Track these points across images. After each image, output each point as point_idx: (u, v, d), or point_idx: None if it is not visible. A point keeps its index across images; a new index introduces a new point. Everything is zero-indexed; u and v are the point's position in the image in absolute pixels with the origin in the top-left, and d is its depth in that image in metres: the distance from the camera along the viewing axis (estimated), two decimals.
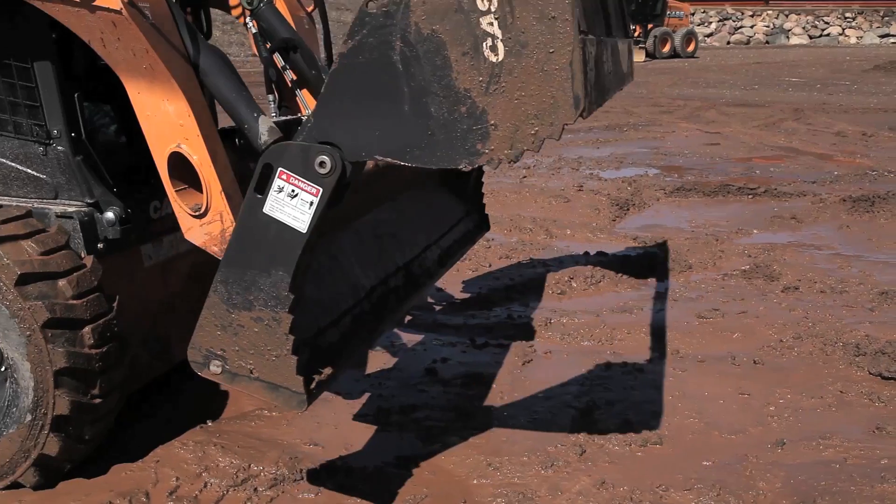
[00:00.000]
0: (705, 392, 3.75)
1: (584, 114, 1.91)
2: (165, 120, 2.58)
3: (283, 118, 3.00)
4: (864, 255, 5.89)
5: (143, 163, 3.31)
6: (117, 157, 3.18)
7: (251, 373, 2.33)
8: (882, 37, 38.05)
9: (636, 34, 30.28)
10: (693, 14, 36.29)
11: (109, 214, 2.98)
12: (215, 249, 2.61)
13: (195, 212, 2.63)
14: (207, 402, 3.64)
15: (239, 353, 2.33)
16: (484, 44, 1.90)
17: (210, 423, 3.46)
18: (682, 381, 3.87)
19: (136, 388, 3.30)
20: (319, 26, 3.29)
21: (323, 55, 3.22)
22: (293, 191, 2.14)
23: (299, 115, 3.15)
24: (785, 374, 3.93)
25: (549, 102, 1.90)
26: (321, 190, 2.13)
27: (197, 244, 2.66)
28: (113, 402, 2.97)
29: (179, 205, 2.65)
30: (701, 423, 3.47)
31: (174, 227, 3.40)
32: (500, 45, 1.90)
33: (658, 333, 4.47)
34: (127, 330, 3.00)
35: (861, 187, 7.96)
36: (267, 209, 2.17)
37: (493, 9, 1.87)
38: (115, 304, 2.91)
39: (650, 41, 29.90)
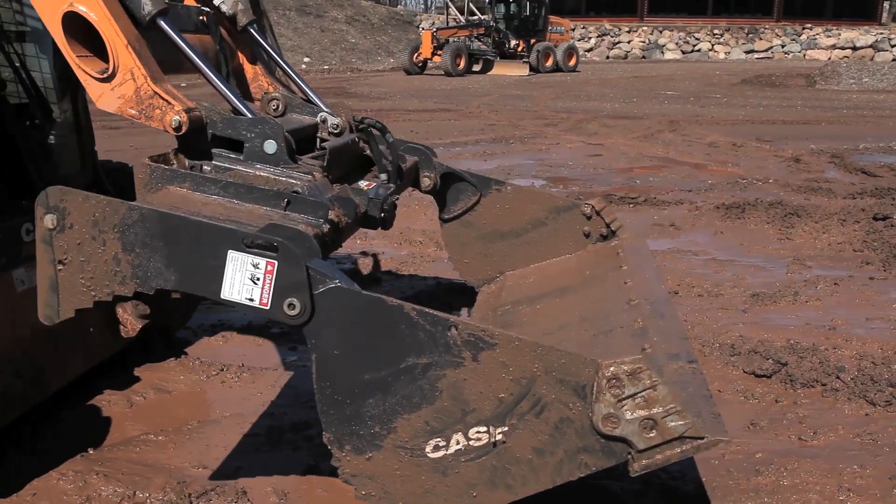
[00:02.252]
0: None
1: None
2: None
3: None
4: (737, 259, 6.20)
5: (12, 184, 3.18)
6: None
7: None
8: (747, 52, 40.21)
9: (520, 49, 31.01)
10: (573, 30, 37.42)
11: None
12: (133, 112, 2.44)
13: (102, 75, 2.43)
14: (88, 429, 3.50)
15: None
16: None
17: (91, 451, 3.32)
18: None
19: (10, 420, 3.13)
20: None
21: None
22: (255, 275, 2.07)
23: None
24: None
25: None
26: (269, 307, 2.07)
27: (112, 111, 2.46)
28: None
29: (84, 72, 2.44)
30: None
31: None
32: None
33: None
34: None
35: (733, 195, 8.37)
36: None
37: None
38: None
39: (533, 56, 30.63)
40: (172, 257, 2.06)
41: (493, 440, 2.02)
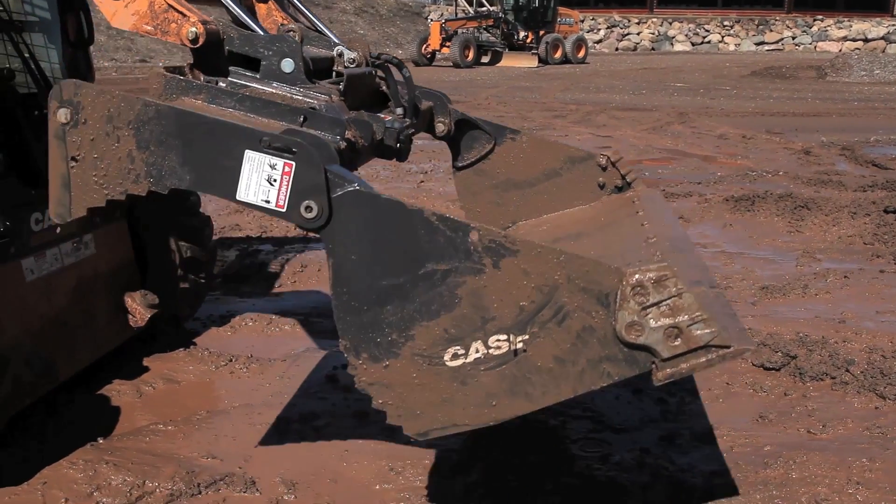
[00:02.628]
0: (600, 389, 3.84)
1: None
2: None
3: None
4: (746, 252, 6.17)
5: (21, 173, 3.19)
6: None
7: None
8: (758, 44, 39.97)
9: (528, 41, 30.90)
10: (583, 21, 37.23)
11: None
12: (148, 28, 2.40)
13: None
14: (97, 419, 3.51)
15: None
16: None
17: (101, 441, 3.34)
18: None
19: (20, 409, 3.15)
20: None
21: None
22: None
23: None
24: None
25: None
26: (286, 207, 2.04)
27: (127, 28, 2.43)
28: None
29: None
30: (596, 420, 3.56)
31: (58, 239, 3.29)
32: None
33: None
34: (7, 347, 2.86)
35: (742, 187, 8.34)
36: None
37: None
38: None
39: (542, 47, 30.52)
40: (188, 156, 2.03)
41: (513, 349, 1.99)
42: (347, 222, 1.99)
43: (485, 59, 30.36)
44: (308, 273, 5.67)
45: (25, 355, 3.11)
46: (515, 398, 2.02)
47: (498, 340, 2.00)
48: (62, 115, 2.05)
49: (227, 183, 2.03)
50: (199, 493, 2.98)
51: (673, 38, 41.00)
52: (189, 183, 2.06)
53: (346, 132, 2.20)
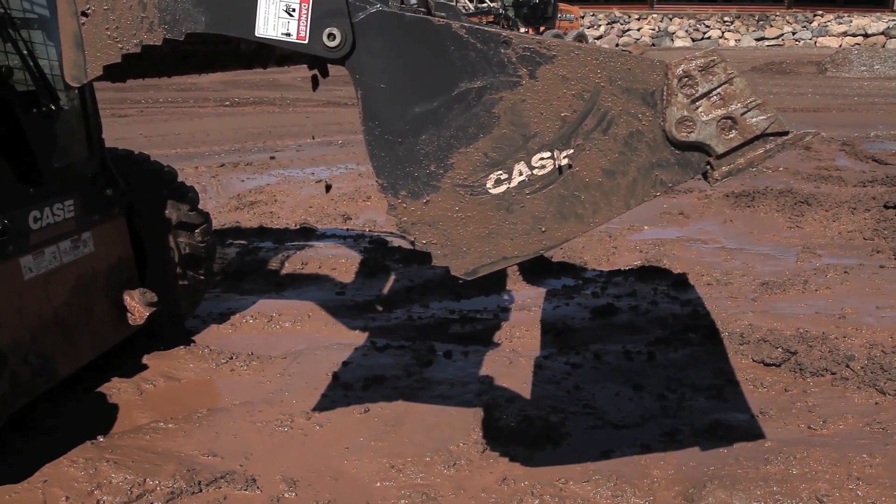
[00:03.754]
0: (601, 385, 3.85)
1: None
2: None
3: None
4: (747, 248, 6.16)
5: (19, 171, 3.18)
6: None
7: None
8: (758, 40, 39.91)
9: None
10: (583, 17, 37.19)
11: None
12: None
13: None
14: (97, 416, 3.51)
15: None
16: None
17: (101, 439, 3.33)
18: (578, 376, 3.96)
19: (18, 407, 3.14)
20: None
21: None
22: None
23: None
24: (675, 365, 4.07)
25: None
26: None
27: None
28: None
29: None
30: (597, 416, 3.56)
31: (56, 237, 3.29)
32: None
33: (555, 330, 4.56)
34: (5, 345, 2.86)
35: (742, 183, 8.32)
36: None
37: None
38: None
39: None
40: None
41: (558, 165, 1.88)
42: (373, 47, 1.88)
43: None
44: (308, 270, 5.67)
45: (24, 353, 3.10)
46: (566, 221, 1.91)
47: (542, 159, 1.88)
48: None
49: (244, 19, 1.95)
50: (200, 490, 2.97)
51: (673, 33, 40.93)
52: (205, 24, 1.97)
53: None
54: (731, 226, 6.86)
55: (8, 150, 3.16)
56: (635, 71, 1.80)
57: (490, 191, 1.92)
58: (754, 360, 4.04)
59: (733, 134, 1.76)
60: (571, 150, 1.86)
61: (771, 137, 1.76)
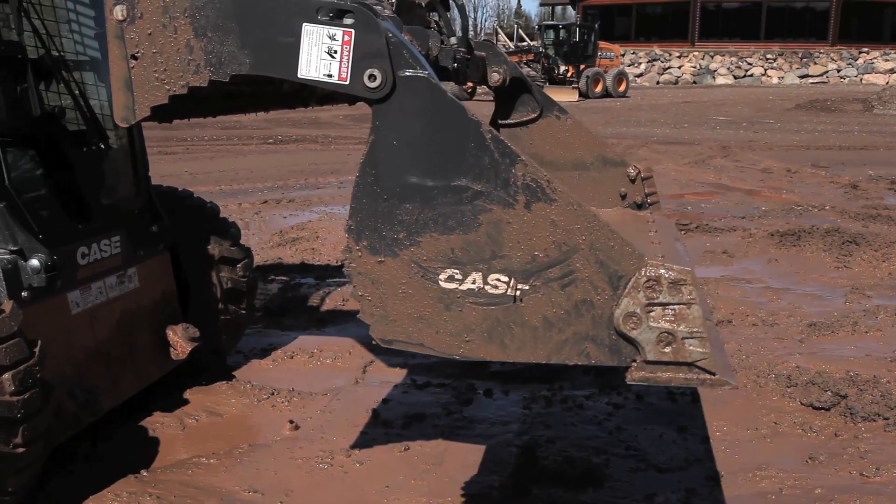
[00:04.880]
0: (644, 427, 3.78)
1: None
2: None
3: None
4: (793, 288, 6.05)
5: (69, 208, 3.25)
6: (44, 204, 3.10)
7: None
8: (801, 77, 39.61)
9: (569, 75, 30.98)
10: (623, 55, 37.30)
11: (34, 262, 2.90)
12: None
13: None
14: (140, 450, 3.53)
15: None
16: None
17: (144, 473, 3.35)
18: (620, 417, 3.89)
19: (63, 439, 3.18)
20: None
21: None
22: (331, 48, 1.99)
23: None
24: (720, 406, 3.99)
25: None
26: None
27: None
28: (37, 451, 2.85)
29: None
30: (640, 458, 3.49)
31: (103, 273, 3.34)
32: None
33: (597, 369, 4.50)
34: (51, 377, 2.90)
35: (788, 222, 8.20)
36: None
37: None
38: (36, 350, 2.81)
39: (583, 81, 30.56)
40: (246, 38, 2.01)
41: (510, 293, 1.94)
42: (404, 104, 1.94)
43: None
44: (349, 307, 5.68)
45: (69, 386, 3.14)
46: (490, 342, 1.97)
47: (498, 280, 1.95)
48: (118, 12, 2.05)
49: (288, 61, 2.00)
50: None
51: (715, 71, 40.81)
52: (249, 66, 2.03)
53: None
54: (777, 265, 6.74)
55: (59, 188, 3.23)
56: (615, 251, 1.87)
57: (440, 282, 1.98)
58: (803, 404, 3.94)
59: (668, 350, 1.82)
60: (527, 287, 1.93)
61: (697, 370, 1.82)
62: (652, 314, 1.83)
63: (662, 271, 1.83)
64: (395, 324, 2.01)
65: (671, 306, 1.82)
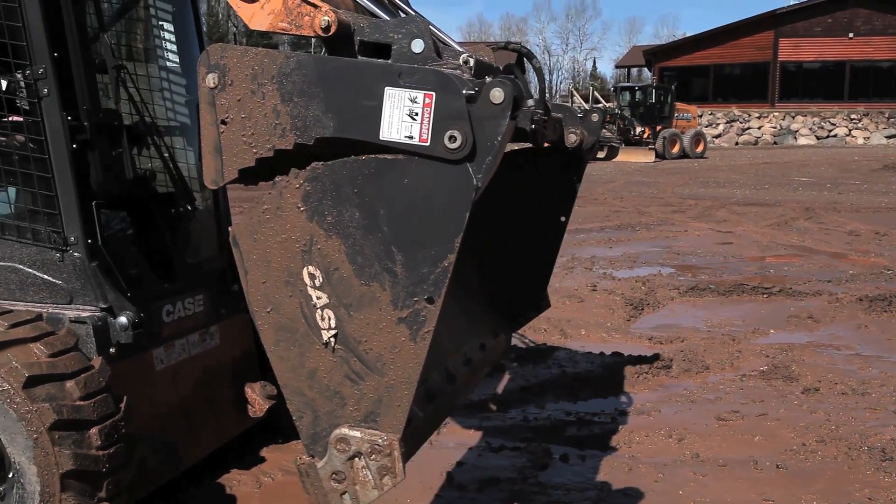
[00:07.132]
0: (728, 498, 3.64)
1: None
2: None
3: None
4: (884, 356, 5.79)
5: (156, 267, 3.36)
6: (133, 263, 3.22)
7: None
8: (889, 137, 38.55)
9: (645, 136, 30.86)
10: (701, 116, 37.00)
11: (122, 319, 2.99)
12: (284, 25, 2.43)
13: None
14: None
15: None
16: None
17: None
18: (703, 486, 3.76)
19: (144, 495, 3.23)
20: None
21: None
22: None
23: None
24: (809, 479, 3.81)
25: None
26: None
27: (265, 28, 2.47)
28: None
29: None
30: None
31: (186, 330, 3.43)
32: None
33: (677, 436, 4.37)
34: (135, 432, 2.96)
35: (877, 286, 7.90)
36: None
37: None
38: (122, 406, 2.88)
39: (659, 142, 30.38)
40: (330, 102, 2.06)
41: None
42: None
43: (601, 155, 30.39)
44: None
45: (152, 442, 3.21)
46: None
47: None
48: (210, 79, 2.12)
49: (370, 124, 2.04)
50: None
51: (796, 131, 40.09)
52: (333, 129, 2.08)
53: None
54: (867, 332, 6.48)
55: (147, 247, 3.35)
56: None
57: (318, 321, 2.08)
58: None
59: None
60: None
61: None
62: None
63: (358, 434, 2.10)
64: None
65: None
